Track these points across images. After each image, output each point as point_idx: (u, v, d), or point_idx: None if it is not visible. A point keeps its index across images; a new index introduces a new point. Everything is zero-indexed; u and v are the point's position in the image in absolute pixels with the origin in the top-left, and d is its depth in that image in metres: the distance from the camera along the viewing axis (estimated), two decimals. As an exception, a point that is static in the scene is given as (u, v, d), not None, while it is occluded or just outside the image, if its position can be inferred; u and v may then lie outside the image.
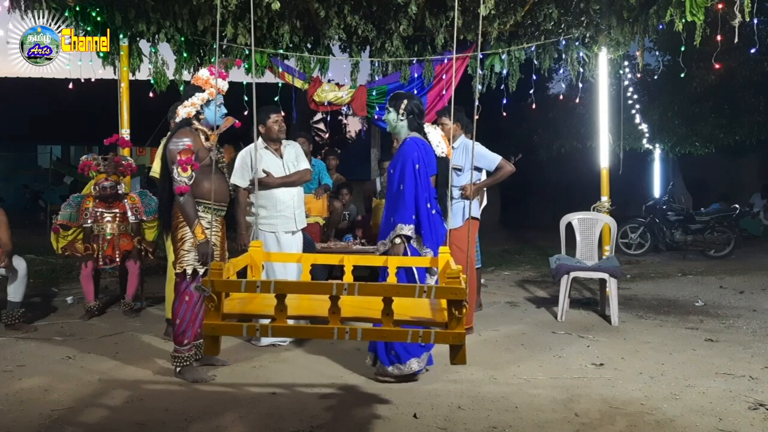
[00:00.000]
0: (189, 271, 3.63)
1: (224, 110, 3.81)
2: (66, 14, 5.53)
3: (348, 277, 2.80)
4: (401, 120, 3.80)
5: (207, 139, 3.71)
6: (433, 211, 3.70)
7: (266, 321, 2.18)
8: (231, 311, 2.21)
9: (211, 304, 2.10)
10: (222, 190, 3.79)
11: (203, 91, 3.70)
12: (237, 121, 3.86)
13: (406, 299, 2.21)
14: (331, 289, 2.05)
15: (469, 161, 4.86)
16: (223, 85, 3.79)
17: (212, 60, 6.32)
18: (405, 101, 3.80)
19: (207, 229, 3.60)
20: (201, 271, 3.63)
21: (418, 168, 3.62)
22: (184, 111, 3.70)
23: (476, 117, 2.41)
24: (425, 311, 2.30)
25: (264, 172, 4.41)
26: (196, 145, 3.62)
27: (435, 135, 3.90)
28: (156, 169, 4.44)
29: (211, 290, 2.06)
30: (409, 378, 3.65)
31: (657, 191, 14.74)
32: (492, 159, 4.81)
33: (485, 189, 5.26)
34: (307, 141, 6.29)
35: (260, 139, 4.54)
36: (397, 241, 3.57)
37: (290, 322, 2.29)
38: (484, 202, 5.49)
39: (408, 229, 3.57)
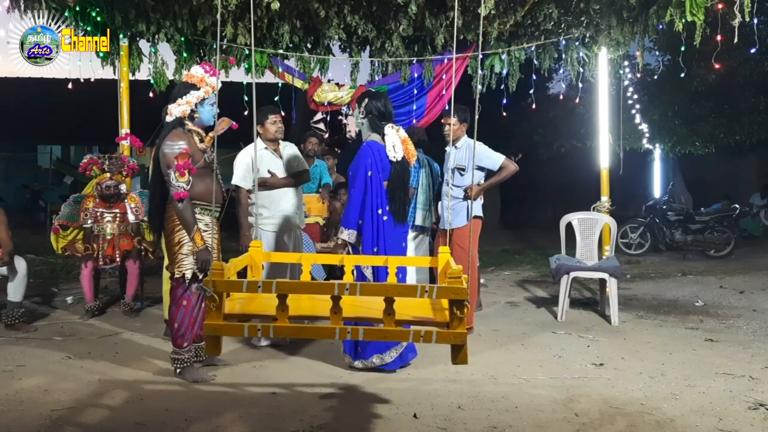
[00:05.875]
0: (188, 275, 3.57)
1: (216, 110, 3.69)
2: (66, 14, 5.52)
3: (348, 277, 2.79)
4: (361, 119, 3.80)
5: (201, 140, 3.64)
6: (385, 218, 3.66)
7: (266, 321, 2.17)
8: (232, 311, 2.20)
9: (212, 304, 2.08)
10: (218, 192, 3.71)
11: (198, 89, 3.59)
12: (234, 123, 3.77)
13: (405, 299, 2.20)
14: (332, 289, 2.05)
15: (473, 161, 4.85)
16: (217, 83, 3.65)
17: (211, 60, 6.31)
18: (366, 100, 3.78)
19: (205, 232, 3.55)
20: (201, 275, 3.58)
21: (371, 175, 3.63)
22: (178, 110, 3.56)
23: (476, 117, 2.41)
24: (426, 311, 2.30)
25: (269, 172, 4.42)
26: (191, 148, 3.53)
27: (391, 137, 3.69)
28: None
29: (213, 290, 2.06)
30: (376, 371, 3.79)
31: (657, 191, 14.75)
32: (495, 159, 4.81)
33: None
34: (319, 141, 6.31)
35: (259, 139, 4.54)
36: (340, 242, 3.68)
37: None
38: (481, 201, 5.47)
39: (347, 234, 3.64)
